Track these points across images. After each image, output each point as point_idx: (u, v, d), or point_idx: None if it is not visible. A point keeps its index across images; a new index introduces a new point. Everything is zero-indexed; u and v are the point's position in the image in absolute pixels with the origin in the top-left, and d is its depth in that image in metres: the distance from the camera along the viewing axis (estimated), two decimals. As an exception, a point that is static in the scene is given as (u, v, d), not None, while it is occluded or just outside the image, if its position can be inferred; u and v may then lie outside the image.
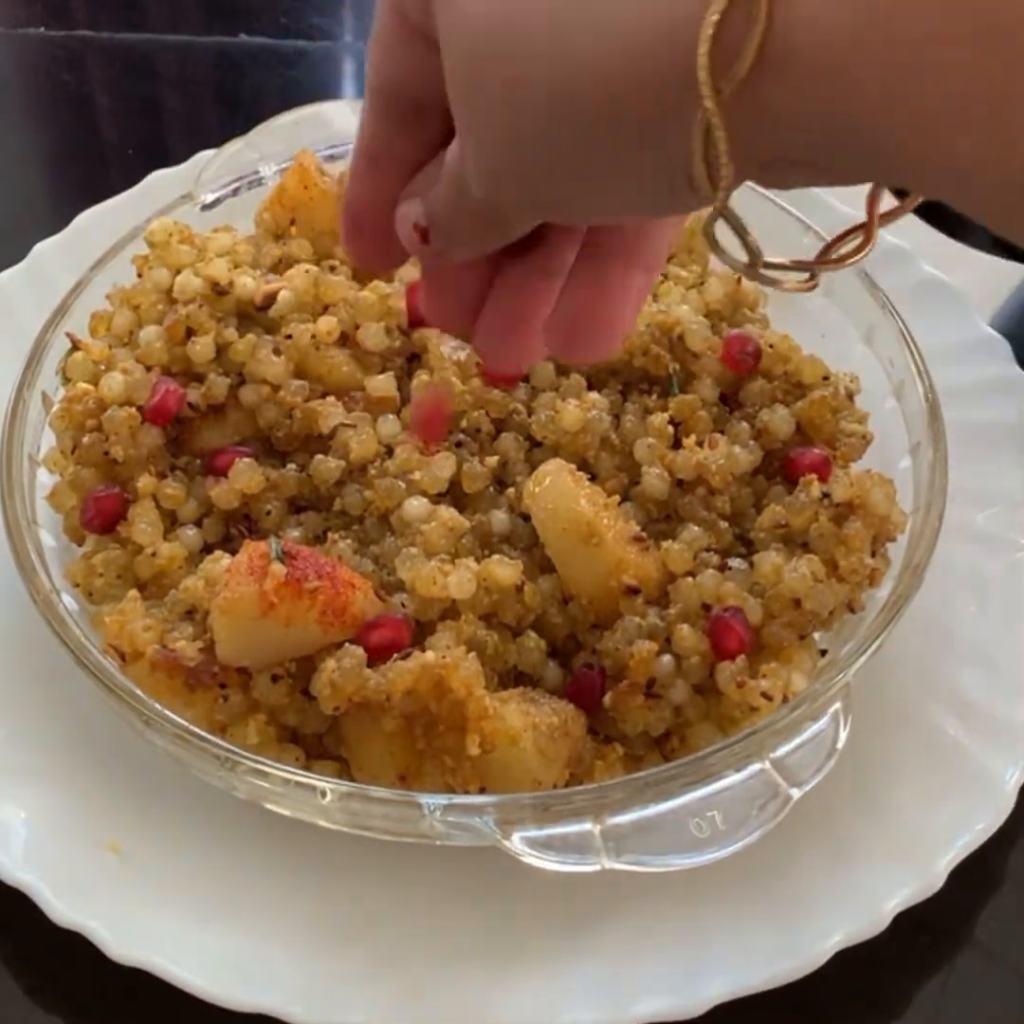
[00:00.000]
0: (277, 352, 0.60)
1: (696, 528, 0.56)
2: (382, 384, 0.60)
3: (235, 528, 0.58)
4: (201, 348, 0.60)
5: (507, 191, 0.32)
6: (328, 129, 0.74)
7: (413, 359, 0.62)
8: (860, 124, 0.26)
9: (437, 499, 0.57)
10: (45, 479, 0.61)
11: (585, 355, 0.38)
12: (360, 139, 0.38)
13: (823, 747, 0.49)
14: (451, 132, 0.34)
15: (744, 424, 0.59)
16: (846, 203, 0.65)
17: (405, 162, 0.37)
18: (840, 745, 0.49)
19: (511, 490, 0.58)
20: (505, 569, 0.53)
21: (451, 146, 0.35)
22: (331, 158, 0.72)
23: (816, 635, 0.55)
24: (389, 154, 0.37)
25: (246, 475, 0.57)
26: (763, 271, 0.31)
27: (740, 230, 0.29)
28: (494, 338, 0.39)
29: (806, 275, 0.32)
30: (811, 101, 0.26)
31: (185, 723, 0.50)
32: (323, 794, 0.48)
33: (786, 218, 0.69)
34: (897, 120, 0.25)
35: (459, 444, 0.58)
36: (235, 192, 0.72)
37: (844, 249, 0.33)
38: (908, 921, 0.50)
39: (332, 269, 0.65)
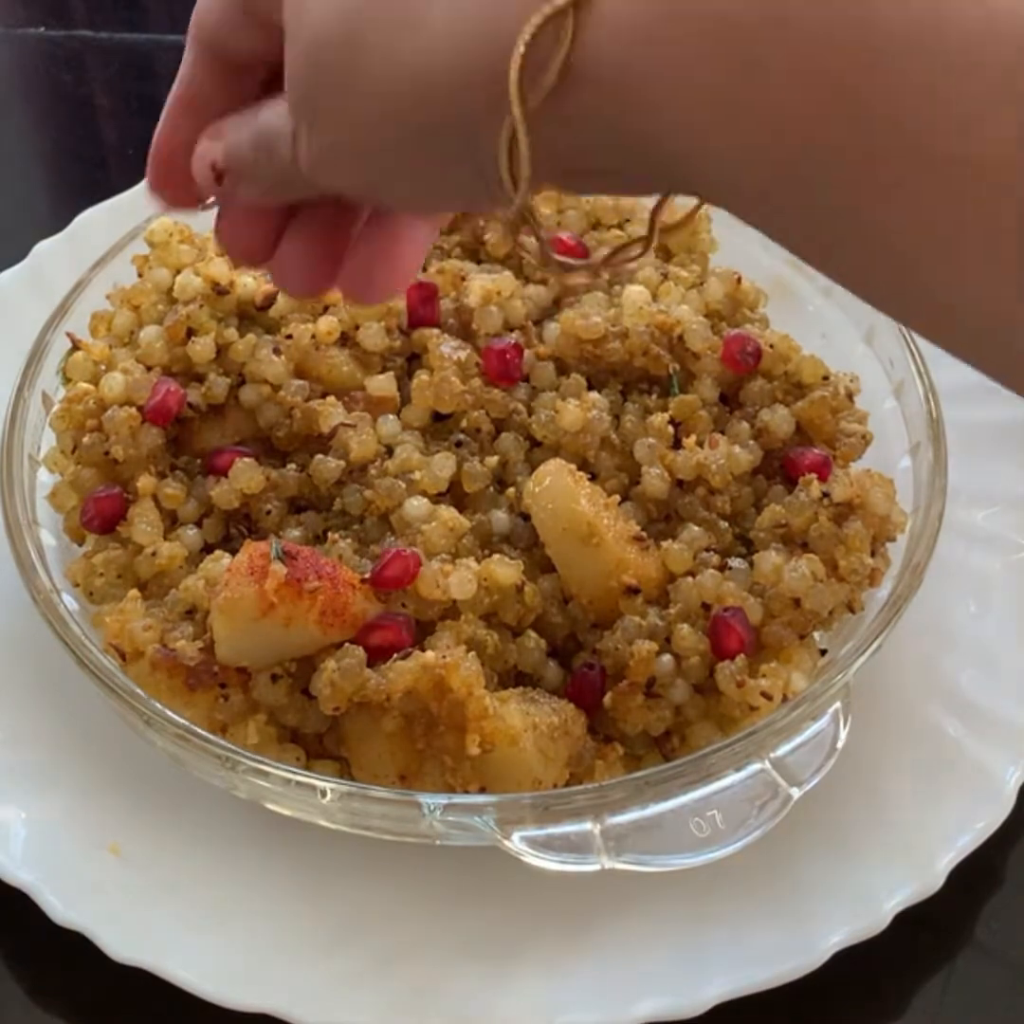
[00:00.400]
0: (277, 352, 0.60)
1: (696, 528, 0.56)
2: (382, 384, 0.60)
3: (235, 528, 0.58)
4: (201, 348, 0.60)
5: (329, 175, 0.35)
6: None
7: (413, 359, 0.62)
8: (643, 133, 0.29)
9: (437, 499, 0.57)
10: (45, 479, 0.61)
11: (373, 300, 0.42)
12: (177, 86, 0.40)
13: (823, 747, 0.49)
14: (267, 89, 0.38)
15: (744, 424, 0.59)
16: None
17: (219, 112, 0.39)
18: (840, 745, 0.49)
19: (511, 490, 0.58)
20: (505, 569, 0.53)
21: (270, 107, 0.37)
22: (331, 158, 0.72)
23: (816, 635, 0.55)
24: (205, 103, 0.39)
25: (246, 475, 0.57)
26: (555, 263, 0.33)
27: (535, 228, 0.32)
28: (290, 274, 0.41)
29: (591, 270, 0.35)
30: (604, 112, 0.29)
31: (185, 723, 0.50)
32: (323, 794, 0.48)
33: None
34: (664, 125, 0.28)
35: (459, 444, 0.58)
36: (235, 192, 0.72)
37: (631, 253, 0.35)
38: (908, 920, 0.50)
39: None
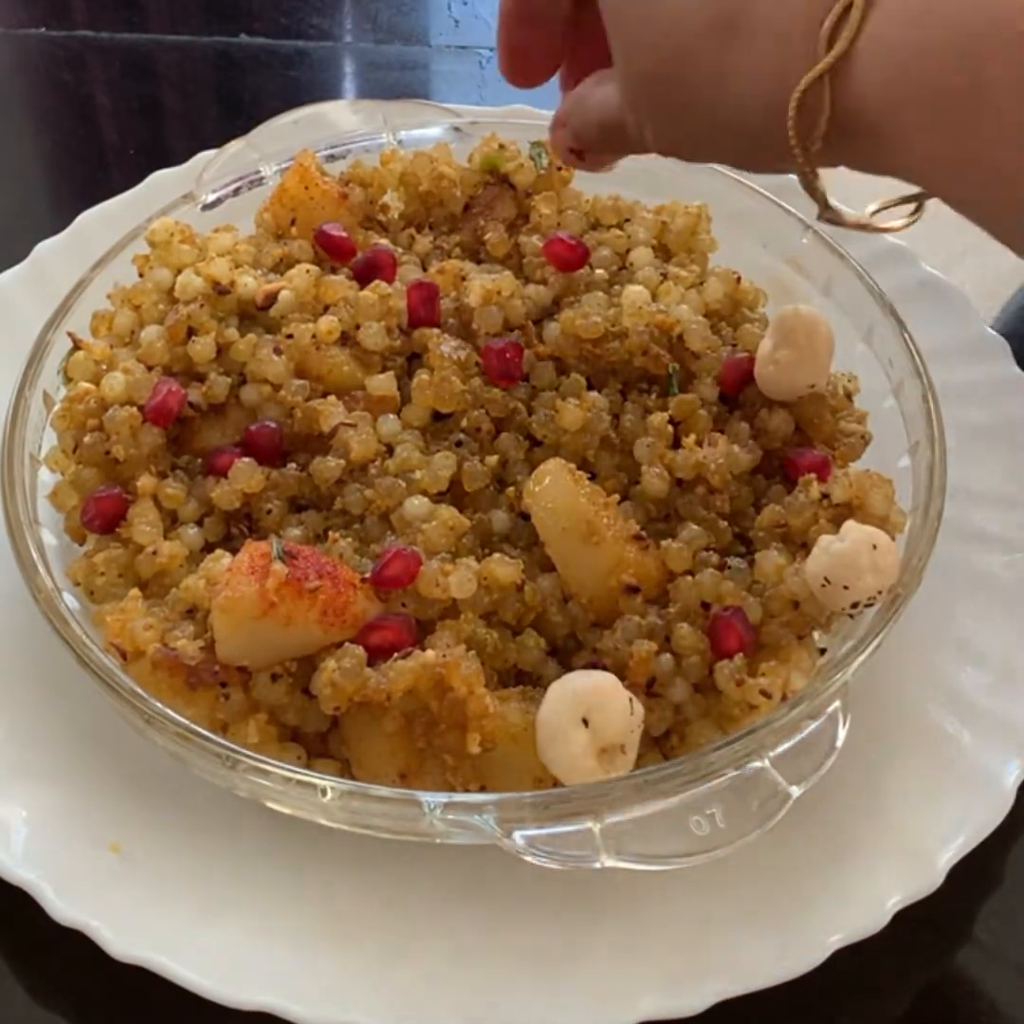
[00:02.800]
0: (278, 352, 0.60)
1: (696, 527, 0.56)
2: (382, 384, 0.60)
3: (236, 527, 0.58)
4: (202, 348, 0.60)
5: (672, 151, 0.46)
6: (328, 129, 0.74)
7: (413, 359, 0.63)
8: (893, 165, 0.39)
9: (437, 498, 0.57)
10: (46, 478, 0.61)
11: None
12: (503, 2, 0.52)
13: (822, 745, 0.49)
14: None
15: (743, 424, 0.60)
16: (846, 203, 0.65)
17: (540, 18, 0.52)
18: (839, 743, 0.49)
19: (511, 489, 0.58)
20: (505, 568, 0.53)
21: (600, 93, 0.48)
22: (331, 158, 0.73)
23: (815, 634, 0.55)
24: (533, 12, 0.52)
25: (246, 474, 0.57)
26: (826, 216, 0.44)
27: (812, 191, 0.43)
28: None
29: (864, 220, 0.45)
30: (865, 147, 0.40)
31: (186, 722, 0.50)
32: (324, 792, 0.48)
33: (787, 218, 0.69)
34: (913, 164, 0.38)
35: (459, 443, 0.59)
36: (236, 192, 0.72)
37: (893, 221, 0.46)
38: (908, 918, 0.51)
39: (332, 269, 0.65)
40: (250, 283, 0.63)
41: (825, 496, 0.56)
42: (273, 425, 0.59)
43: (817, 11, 0.38)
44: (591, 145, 0.51)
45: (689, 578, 0.54)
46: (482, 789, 0.50)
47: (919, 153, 0.37)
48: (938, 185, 0.38)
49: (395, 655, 0.51)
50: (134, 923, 0.50)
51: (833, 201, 0.44)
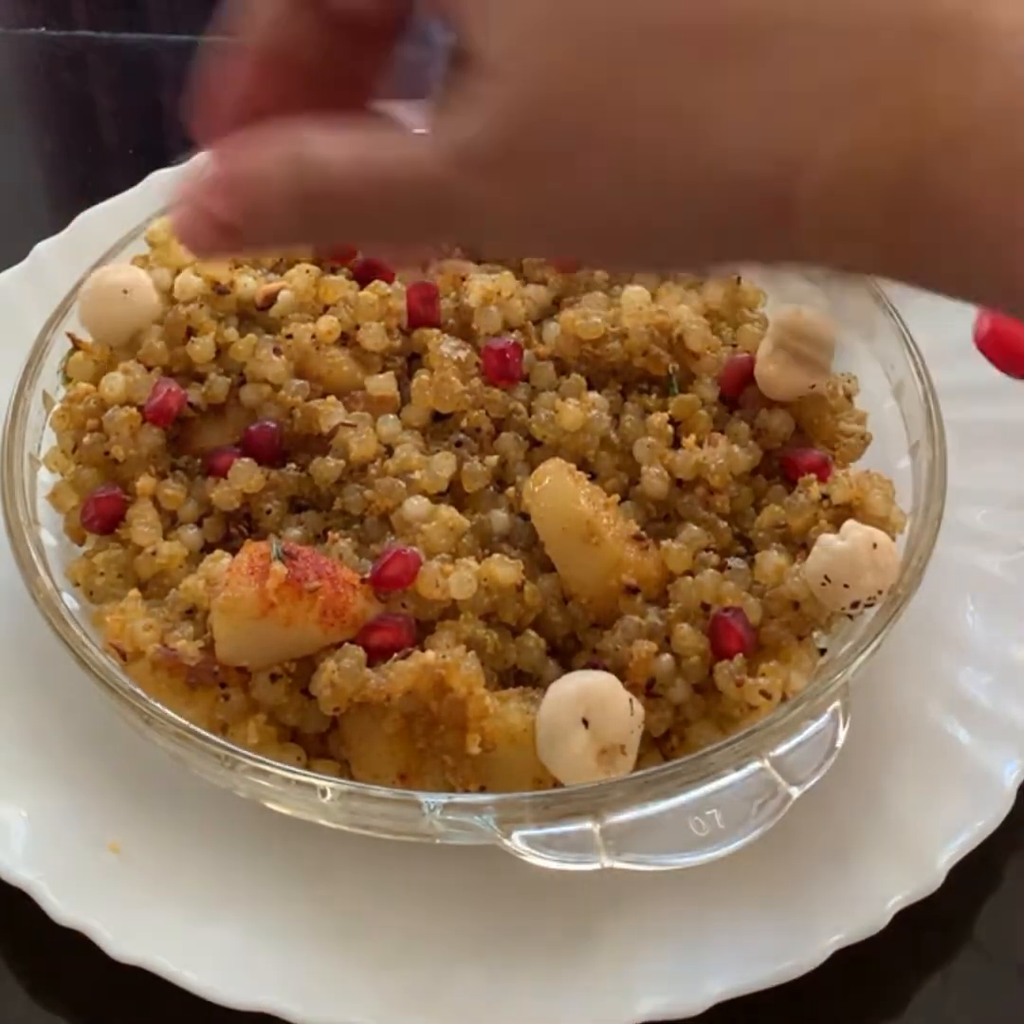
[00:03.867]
0: (277, 352, 0.60)
1: (695, 528, 0.56)
2: (382, 384, 0.60)
3: (235, 528, 0.58)
4: (201, 348, 0.60)
5: (515, 224, 0.29)
6: (328, 129, 0.74)
7: (413, 359, 0.62)
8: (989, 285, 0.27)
9: (437, 499, 0.57)
10: (46, 478, 0.61)
11: None
12: (256, 27, 0.32)
13: (822, 746, 0.49)
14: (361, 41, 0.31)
15: (743, 424, 0.60)
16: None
17: (303, 69, 0.31)
18: (839, 744, 0.49)
19: (511, 490, 0.58)
20: (505, 569, 0.53)
21: (401, 141, 0.29)
22: (331, 158, 0.72)
23: (815, 634, 0.55)
24: (288, 54, 0.31)
25: (246, 475, 0.57)
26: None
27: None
28: None
29: None
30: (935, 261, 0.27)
31: (186, 722, 0.50)
32: (323, 793, 0.48)
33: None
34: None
35: (459, 444, 0.58)
36: (235, 192, 0.72)
37: None
38: (908, 919, 0.51)
39: (332, 269, 0.65)
40: (250, 283, 0.63)
41: (825, 496, 0.56)
42: (273, 425, 0.59)
43: (897, 41, 0.24)
44: (322, 221, 0.30)
45: (689, 578, 0.54)
46: (482, 789, 0.50)
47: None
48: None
49: (395, 656, 0.51)
50: (134, 923, 0.50)
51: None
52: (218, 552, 0.55)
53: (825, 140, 0.25)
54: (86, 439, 0.59)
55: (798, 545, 0.56)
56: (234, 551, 0.54)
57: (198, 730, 0.50)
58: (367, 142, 0.29)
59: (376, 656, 0.51)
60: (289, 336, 0.60)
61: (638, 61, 0.26)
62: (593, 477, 0.57)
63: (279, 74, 0.31)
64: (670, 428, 0.59)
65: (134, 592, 0.55)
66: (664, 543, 0.55)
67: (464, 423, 0.59)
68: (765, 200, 0.26)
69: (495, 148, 0.27)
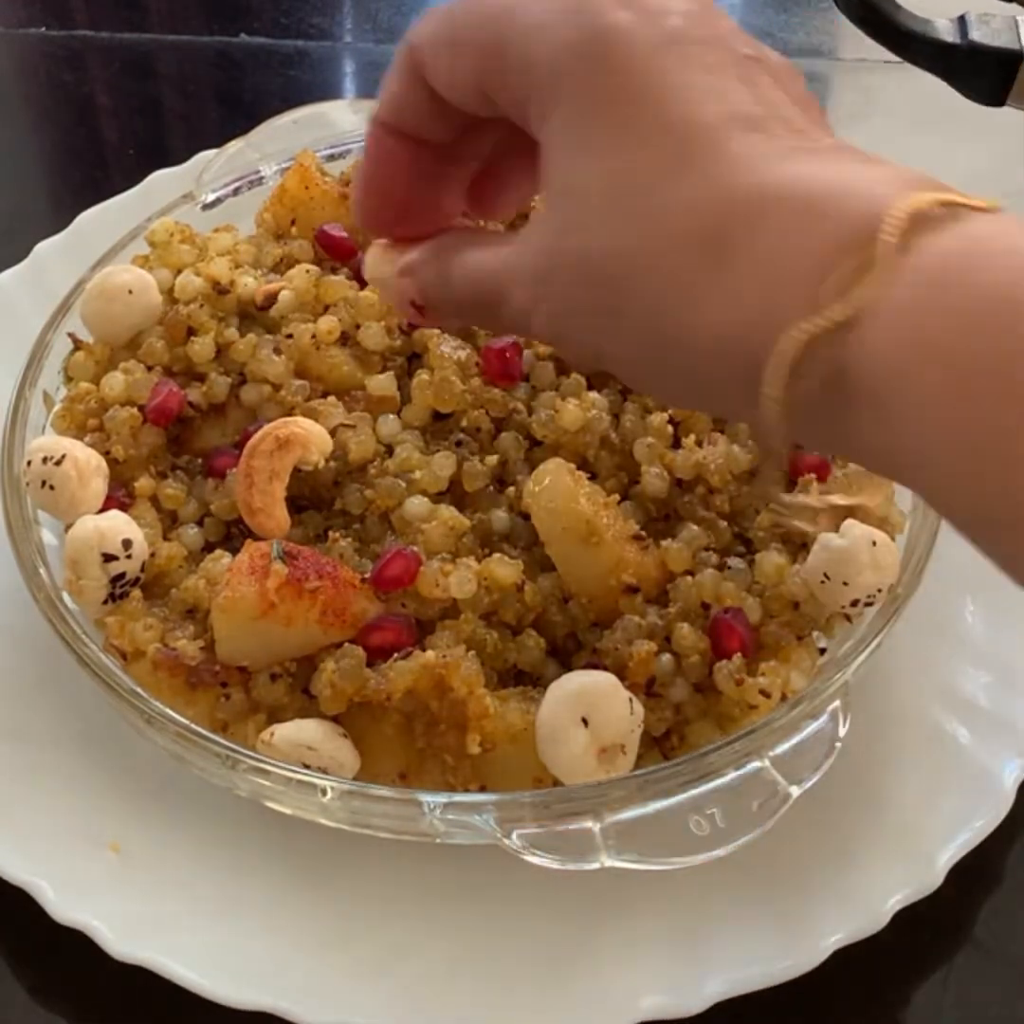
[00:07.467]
0: (278, 352, 0.60)
1: (695, 527, 0.56)
2: (382, 384, 0.60)
3: (236, 527, 0.58)
4: (202, 348, 0.60)
5: (553, 339, 0.39)
6: (328, 129, 0.74)
7: (413, 359, 0.63)
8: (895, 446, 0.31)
9: (437, 498, 0.57)
10: (46, 478, 0.61)
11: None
12: (367, 162, 0.43)
13: (822, 745, 0.49)
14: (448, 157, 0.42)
15: (743, 423, 0.60)
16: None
17: (407, 184, 0.42)
18: (839, 743, 0.49)
19: (511, 489, 0.58)
20: (505, 568, 0.53)
21: (488, 260, 0.39)
22: (331, 158, 0.72)
23: (815, 633, 0.55)
24: (393, 176, 0.43)
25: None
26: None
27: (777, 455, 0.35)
28: None
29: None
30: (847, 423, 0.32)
31: (186, 722, 0.50)
32: (323, 792, 0.48)
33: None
34: (921, 443, 0.30)
35: (459, 443, 0.59)
36: (236, 192, 0.72)
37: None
38: (908, 919, 0.50)
39: (333, 269, 0.65)
40: (250, 283, 0.63)
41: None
42: None
43: (832, 252, 0.30)
44: (443, 308, 0.41)
45: (689, 578, 0.54)
46: (482, 789, 0.50)
47: (932, 426, 0.29)
48: (945, 476, 0.31)
49: (395, 655, 0.51)
50: (134, 923, 0.50)
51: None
52: (218, 552, 0.55)
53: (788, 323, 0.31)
54: (87, 439, 0.59)
55: (798, 545, 0.56)
56: (235, 551, 0.54)
57: (198, 730, 0.50)
58: (486, 255, 0.39)
59: (376, 656, 0.51)
60: (289, 336, 0.61)
61: (649, 260, 0.34)
62: (593, 477, 0.57)
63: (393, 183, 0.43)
64: (670, 428, 0.59)
65: (135, 592, 0.55)
66: (664, 543, 0.55)
67: (464, 423, 0.59)
68: (736, 364, 0.32)
69: (535, 279, 0.37)
